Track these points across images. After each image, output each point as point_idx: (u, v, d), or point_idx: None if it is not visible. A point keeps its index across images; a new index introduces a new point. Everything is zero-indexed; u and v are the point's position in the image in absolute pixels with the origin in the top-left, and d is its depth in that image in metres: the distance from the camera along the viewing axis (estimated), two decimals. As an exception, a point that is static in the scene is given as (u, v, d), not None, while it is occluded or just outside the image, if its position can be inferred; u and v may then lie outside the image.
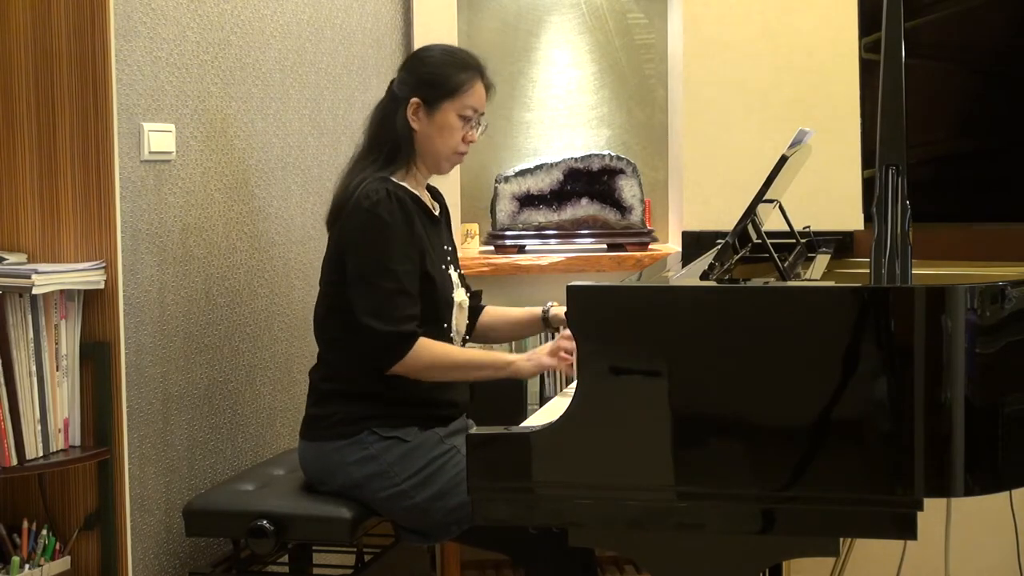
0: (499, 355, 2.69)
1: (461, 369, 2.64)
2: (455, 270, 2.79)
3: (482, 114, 2.73)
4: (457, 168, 3.67)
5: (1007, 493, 2.81)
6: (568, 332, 2.65)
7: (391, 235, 2.56)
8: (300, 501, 2.65)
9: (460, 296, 2.75)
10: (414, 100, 2.67)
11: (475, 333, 2.94)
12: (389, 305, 2.54)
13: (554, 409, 2.39)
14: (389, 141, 2.69)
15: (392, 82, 2.75)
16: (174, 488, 2.80)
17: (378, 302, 2.54)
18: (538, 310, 2.94)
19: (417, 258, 2.60)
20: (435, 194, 2.87)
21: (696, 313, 2.02)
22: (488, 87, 2.73)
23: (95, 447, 2.54)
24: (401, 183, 2.67)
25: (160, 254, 2.73)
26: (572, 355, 2.58)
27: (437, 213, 2.79)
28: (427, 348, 2.57)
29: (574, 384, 2.11)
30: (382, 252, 2.56)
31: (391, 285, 2.54)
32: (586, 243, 3.78)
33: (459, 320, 2.74)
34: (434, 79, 2.68)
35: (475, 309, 2.92)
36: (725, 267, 2.22)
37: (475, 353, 2.72)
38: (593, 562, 2.68)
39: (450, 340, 2.70)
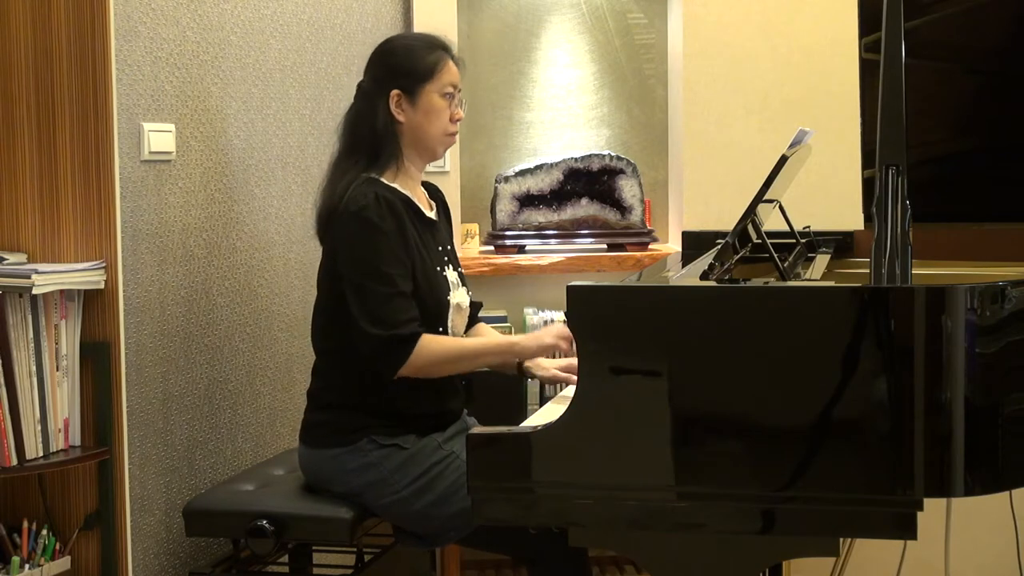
0: (502, 338, 2.68)
1: (468, 359, 2.62)
2: (454, 270, 2.75)
3: (460, 90, 2.71)
4: (457, 168, 3.70)
5: (1007, 493, 2.80)
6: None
7: (381, 238, 2.53)
8: (300, 501, 2.65)
9: (459, 297, 2.71)
10: (394, 92, 2.64)
11: None
12: (387, 310, 2.50)
13: (554, 409, 2.38)
14: (369, 141, 2.65)
15: (360, 85, 2.71)
16: (174, 488, 2.80)
17: (375, 308, 2.51)
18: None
19: (408, 262, 2.56)
20: (433, 192, 2.84)
21: (696, 313, 2.02)
22: (457, 63, 2.71)
23: (95, 447, 2.54)
24: (391, 184, 2.64)
25: (160, 254, 2.73)
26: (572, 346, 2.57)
27: (433, 212, 2.76)
28: (430, 345, 2.54)
29: (574, 385, 2.11)
30: (374, 256, 2.52)
31: (387, 289, 2.51)
32: (586, 243, 3.77)
33: (456, 321, 2.71)
34: (407, 66, 2.65)
35: (472, 318, 2.89)
36: (725, 267, 2.22)
37: (479, 341, 2.71)
38: (586, 562, 2.68)
39: None
